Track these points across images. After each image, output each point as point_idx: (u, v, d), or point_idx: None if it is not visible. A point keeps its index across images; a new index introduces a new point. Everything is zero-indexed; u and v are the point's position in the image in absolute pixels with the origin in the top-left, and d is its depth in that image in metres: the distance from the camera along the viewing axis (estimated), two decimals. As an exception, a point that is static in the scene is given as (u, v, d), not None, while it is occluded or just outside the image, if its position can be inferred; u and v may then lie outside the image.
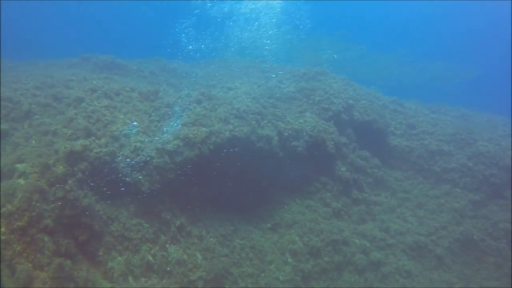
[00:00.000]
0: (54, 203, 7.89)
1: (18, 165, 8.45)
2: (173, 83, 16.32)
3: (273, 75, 15.53)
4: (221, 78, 16.84)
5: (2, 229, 7.56)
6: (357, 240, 11.46)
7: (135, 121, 9.71)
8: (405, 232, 12.23)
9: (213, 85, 15.98)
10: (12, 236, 7.49)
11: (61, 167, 8.12)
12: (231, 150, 10.05)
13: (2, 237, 7.40)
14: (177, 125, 9.73)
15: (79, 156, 8.35)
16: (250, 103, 11.49)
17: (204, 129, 9.67)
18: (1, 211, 7.68)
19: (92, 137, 8.95)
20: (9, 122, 10.15)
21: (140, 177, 8.66)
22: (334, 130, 12.70)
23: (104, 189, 8.65)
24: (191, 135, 9.38)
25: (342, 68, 21.13)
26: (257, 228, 10.87)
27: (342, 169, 12.56)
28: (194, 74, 18.00)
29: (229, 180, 10.81)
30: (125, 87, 11.63)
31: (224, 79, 16.62)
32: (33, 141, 9.46)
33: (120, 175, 8.68)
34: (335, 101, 13.52)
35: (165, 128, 9.68)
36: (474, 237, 12.22)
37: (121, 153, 8.74)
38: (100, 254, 8.10)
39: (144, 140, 9.07)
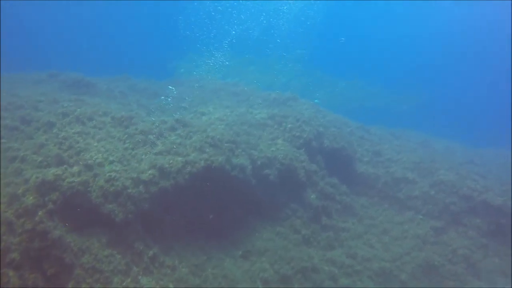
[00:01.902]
0: (21, 236, 7.62)
1: (-17, 194, 8.12)
2: (144, 103, 16.21)
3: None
4: (192, 101, 16.88)
5: (-36, 263, 7.24)
6: (326, 267, 11.67)
7: (110, 149, 9.56)
8: (372, 258, 12.58)
9: (184, 107, 16.00)
10: (-26, 270, 7.18)
11: (31, 198, 7.88)
12: (205, 179, 10.08)
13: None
14: (152, 154, 9.67)
15: (51, 186, 8.14)
16: (224, 131, 11.59)
17: (179, 158, 9.67)
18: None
19: (65, 165, 8.75)
20: (-27, 145, 9.77)
21: (114, 207, 8.51)
22: (305, 158, 13.00)
23: (76, 219, 8.45)
24: (167, 165, 9.36)
25: (304, 93, 21.63)
26: (229, 256, 10.87)
27: (312, 196, 12.85)
28: (163, 97, 17.92)
29: (202, 207, 10.82)
30: (98, 111, 11.44)
31: (195, 102, 16.67)
32: (-1, 167, 9.12)
33: (93, 205, 8.51)
34: (306, 128, 13.86)
35: (140, 157, 9.59)
36: (435, 262, 12.73)
37: (95, 182, 8.58)
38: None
39: (118, 170, 8.94)
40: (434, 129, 26.66)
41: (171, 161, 9.51)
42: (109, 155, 9.35)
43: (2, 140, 9.91)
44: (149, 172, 9.16)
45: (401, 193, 14.96)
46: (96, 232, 8.66)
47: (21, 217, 7.72)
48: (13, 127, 10.42)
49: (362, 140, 17.23)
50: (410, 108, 37.67)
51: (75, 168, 8.79)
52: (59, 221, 8.21)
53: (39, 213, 7.84)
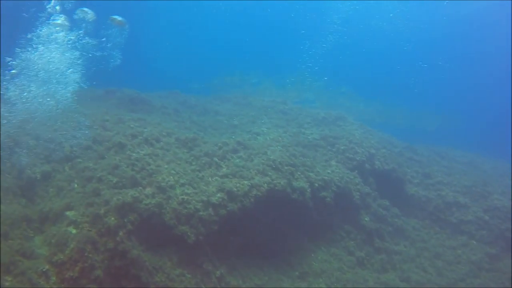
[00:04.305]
0: (104, 254, 8.11)
1: (68, 213, 8.69)
2: (195, 120, 16.69)
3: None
4: (242, 118, 17.27)
5: (53, 278, 7.77)
6: (381, 291, 11.72)
7: (179, 171, 10.00)
8: (426, 282, 12.50)
9: (235, 125, 16.41)
10: (63, 285, 7.69)
11: (113, 219, 8.37)
12: (267, 202, 10.39)
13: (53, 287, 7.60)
14: (218, 177, 10.07)
15: (130, 207, 8.62)
16: (282, 153, 11.90)
17: (246, 182, 10.02)
18: (53, 260, 7.90)
19: (139, 187, 9.23)
20: (51, 163, 10.40)
21: (186, 229, 8.92)
22: (360, 181, 13.14)
23: (150, 239, 8.90)
24: (235, 189, 9.73)
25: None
26: (287, 276, 11.10)
27: (366, 218, 12.94)
28: (213, 112, 18.38)
29: (261, 228, 11.12)
30: (162, 132, 11.98)
31: (245, 120, 17.03)
32: (75, 185, 9.70)
33: (166, 226, 8.94)
34: (358, 150, 14.01)
35: (207, 179, 10.00)
36: (491, 290, 12.55)
37: (168, 205, 9.02)
38: (145, 305, 8.28)
39: (189, 193, 9.36)
40: (471, 145, 26.08)
41: (238, 185, 9.87)
42: (179, 178, 9.78)
43: (77, 159, 10.53)
44: (218, 195, 9.54)
45: (453, 217, 14.81)
46: (168, 252, 9.09)
47: (103, 237, 8.23)
48: (86, 147, 11.01)
49: (411, 161, 17.18)
50: (438, 125, 36.73)
51: (149, 190, 9.26)
52: (136, 241, 8.67)
53: (120, 233, 8.34)
